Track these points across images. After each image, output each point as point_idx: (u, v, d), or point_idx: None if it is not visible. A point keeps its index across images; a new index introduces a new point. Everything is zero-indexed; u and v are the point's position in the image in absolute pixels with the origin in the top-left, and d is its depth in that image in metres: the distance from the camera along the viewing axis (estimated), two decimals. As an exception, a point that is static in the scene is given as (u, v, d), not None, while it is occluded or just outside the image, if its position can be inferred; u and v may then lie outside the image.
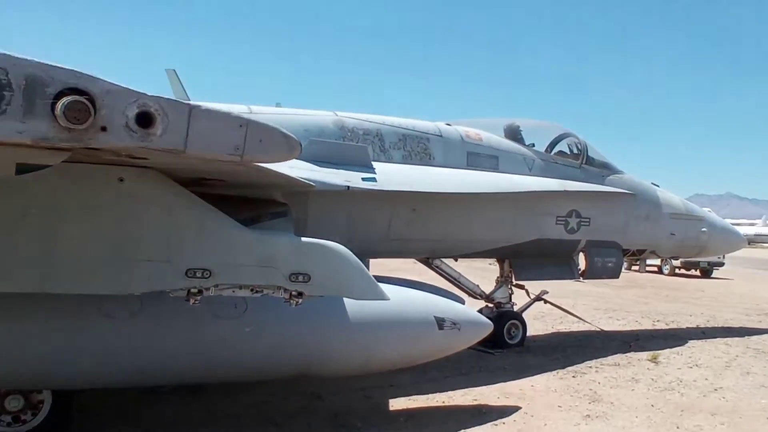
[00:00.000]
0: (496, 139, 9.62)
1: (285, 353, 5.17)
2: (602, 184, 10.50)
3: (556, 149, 10.50)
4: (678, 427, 6.20)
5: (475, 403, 6.83)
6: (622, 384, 7.81)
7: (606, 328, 12.20)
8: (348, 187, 6.99)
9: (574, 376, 8.11)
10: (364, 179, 7.29)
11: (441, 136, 8.97)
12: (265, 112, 7.83)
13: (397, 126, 8.63)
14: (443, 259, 9.71)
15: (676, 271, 28.72)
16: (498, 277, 10.52)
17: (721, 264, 28.64)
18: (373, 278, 4.83)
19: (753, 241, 57.86)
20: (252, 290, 4.31)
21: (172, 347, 4.70)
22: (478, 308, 10.52)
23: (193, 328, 4.78)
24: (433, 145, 8.83)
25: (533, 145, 10.17)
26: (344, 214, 7.76)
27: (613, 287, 19.18)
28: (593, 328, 11.69)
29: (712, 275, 28.81)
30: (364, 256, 8.77)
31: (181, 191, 3.98)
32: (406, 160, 8.52)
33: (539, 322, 12.44)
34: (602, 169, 10.73)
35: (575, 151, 10.66)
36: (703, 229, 11.91)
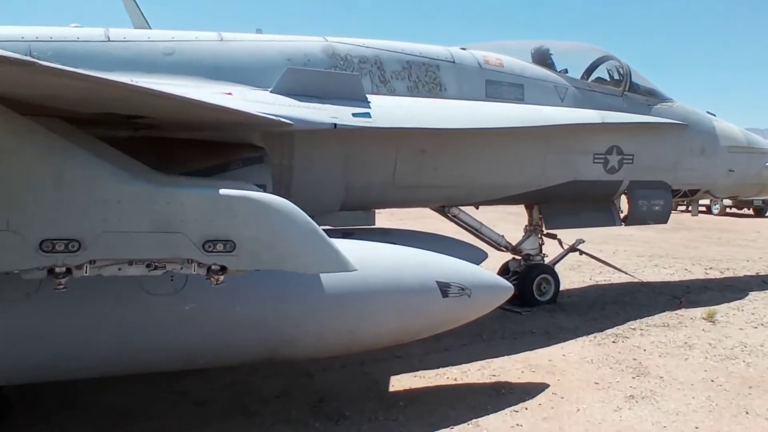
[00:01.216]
0: (520, 64, 8.16)
1: (241, 335, 4.09)
2: (648, 115, 8.98)
3: (593, 76, 8.98)
4: (747, 413, 4.96)
5: (494, 380, 5.70)
6: (673, 351, 6.56)
7: (652, 280, 10.86)
8: (335, 124, 5.76)
9: (614, 341, 6.89)
10: (355, 115, 6.03)
11: (454, 62, 7.58)
12: (239, 39, 6.59)
13: (400, 52, 7.26)
14: (461, 208, 8.44)
15: (727, 210, 26.76)
16: (526, 226, 9.22)
17: (777, 202, 26.52)
18: (332, 242, 3.62)
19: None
20: (149, 266, 3.19)
21: (88, 333, 3.66)
22: (504, 261, 9.37)
23: (115, 309, 3.72)
24: (444, 74, 7.46)
25: (566, 71, 8.69)
26: (339, 158, 6.58)
27: (658, 230, 17.58)
28: (636, 281, 10.36)
29: (767, 214, 26.76)
30: (366, 206, 7.65)
31: (25, 126, 2.80)
32: (411, 91, 7.20)
33: (575, 273, 11.18)
34: (648, 97, 9.19)
35: (616, 77, 9.12)
36: (768, 164, 10.30)
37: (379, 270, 4.56)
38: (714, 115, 10.05)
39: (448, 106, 7.14)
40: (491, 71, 7.81)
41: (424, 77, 7.32)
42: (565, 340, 6.94)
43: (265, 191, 5.65)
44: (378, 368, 5.90)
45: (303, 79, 5.95)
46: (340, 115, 5.88)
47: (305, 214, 3.53)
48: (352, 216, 7.54)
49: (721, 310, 8.33)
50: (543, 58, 8.61)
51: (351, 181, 6.78)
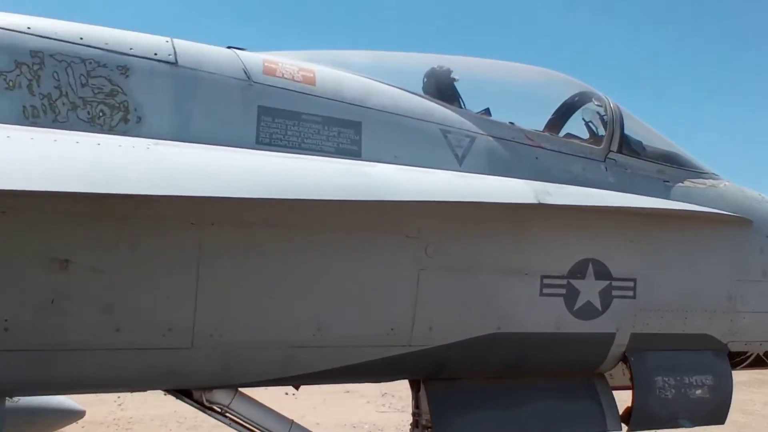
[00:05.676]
0: (361, 85, 3.88)
1: None
2: (665, 199, 4.44)
3: (563, 130, 4.73)
4: None
5: None
6: None
7: None
8: None
9: None
10: None
11: (176, 64, 3.35)
12: None
13: (15, 29, 3.10)
14: (244, 391, 3.82)
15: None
16: (411, 426, 4.44)
17: None
18: None
19: None
20: None
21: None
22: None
23: None
24: (139, 86, 3.23)
25: (488, 111, 4.37)
26: None
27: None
28: None
29: None
30: None
31: None
32: (42, 116, 2.98)
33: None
34: (663, 166, 4.67)
35: (595, 127, 4.71)
36: None
37: None
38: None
39: (136, 148, 2.83)
40: (276, 90, 3.54)
41: (79, 89, 3.11)
42: None
43: None
44: None
45: None
46: None
47: None
48: None
49: None
50: (441, 87, 4.37)
51: None
